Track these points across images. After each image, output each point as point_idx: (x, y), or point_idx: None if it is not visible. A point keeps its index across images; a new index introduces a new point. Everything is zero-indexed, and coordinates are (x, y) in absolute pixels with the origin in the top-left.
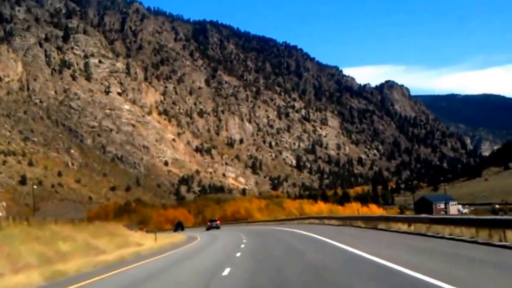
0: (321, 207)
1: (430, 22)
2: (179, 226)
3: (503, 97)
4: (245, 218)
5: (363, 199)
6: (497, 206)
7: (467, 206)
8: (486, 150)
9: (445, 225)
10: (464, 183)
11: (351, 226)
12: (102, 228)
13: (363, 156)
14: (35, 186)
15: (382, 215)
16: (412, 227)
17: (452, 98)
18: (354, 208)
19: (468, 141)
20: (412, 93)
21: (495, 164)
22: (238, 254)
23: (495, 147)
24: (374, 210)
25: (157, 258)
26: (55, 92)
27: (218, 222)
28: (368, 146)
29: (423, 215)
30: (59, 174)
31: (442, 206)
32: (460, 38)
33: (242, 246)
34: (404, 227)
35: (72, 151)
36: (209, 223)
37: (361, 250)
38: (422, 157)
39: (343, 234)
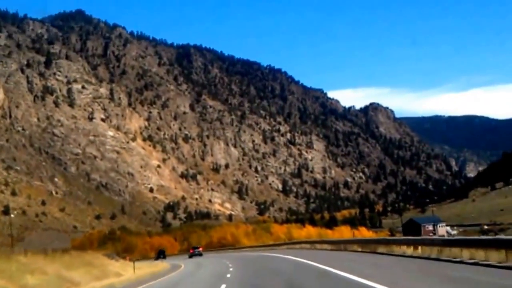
0: (309, 231)
1: (413, 45)
2: (160, 254)
3: (487, 118)
4: (232, 244)
5: (351, 223)
6: (485, 227)
7: (455, 227)
8: (471, 171)
9: (464, 247)
10: (451, 205)
11: (346, 250)
12: (79, 258)
13: (349, 179)
14: (13, 215)
15: (383, 238)
16: (419, 250)
17: (436, 120)
18: (343, 232)
19: (453, 162)
20: (396, 115)
21: (482, 184)
22: (223, 287)
23: (480, 168)
24: (364, 233)
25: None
26: (38, 119)
27: (200, 249)
28: (354, 169)
29: (434, 236)
30: (43, 203)
31: (431, 228)
32: (443, 60)
33: (228, 275)
34: (409, 250)
35: (56, 179)
36: (191, 250)
37: (375, 281)
38: (407, 179)
39: (343, 260)
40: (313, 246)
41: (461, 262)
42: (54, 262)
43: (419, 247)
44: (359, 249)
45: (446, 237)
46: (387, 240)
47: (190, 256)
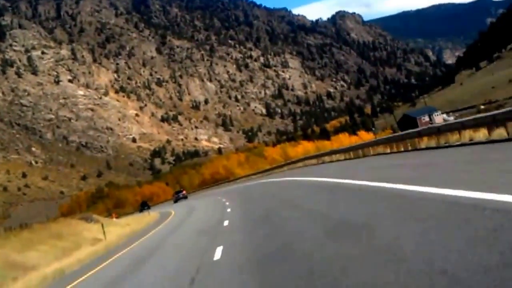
0: (306, 147)
1: None
2: (144, 206)
3: (453, 4)
4: (227, 177)
5: (344, 130)
6: (482, 107)
7: (451, 113)
8: (449, 58)
9: None
10: (440, 92)
11: (366, 156)
12: (43, 231)
13: (331, 90)
14: None
15: (431, 126)
16: (496, 132)
17: (404, 16)
18: (342, 140)
19: (430, 53)
20: (365, 19)
21: (466, 67)
22: (216, 257)
23: (457, 54)
24: (366, 136)
25: (103, 266)
26: (3, 93)
27: (184, 192)
28: (334, 79)
29: None
30: (24, 175)
31: (427, 118)
32: None
33: (226, 224)
34: (478, 135)
35: (33, 149)
36: (175, 195)
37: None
38: (389, 78)
39: (383, 167)
40: (321, 159)
41: None
42: (4, 245)
43: (495, 129)
44: (388, 150)
45: None
46: (437, 129)
47: (176, 201)
